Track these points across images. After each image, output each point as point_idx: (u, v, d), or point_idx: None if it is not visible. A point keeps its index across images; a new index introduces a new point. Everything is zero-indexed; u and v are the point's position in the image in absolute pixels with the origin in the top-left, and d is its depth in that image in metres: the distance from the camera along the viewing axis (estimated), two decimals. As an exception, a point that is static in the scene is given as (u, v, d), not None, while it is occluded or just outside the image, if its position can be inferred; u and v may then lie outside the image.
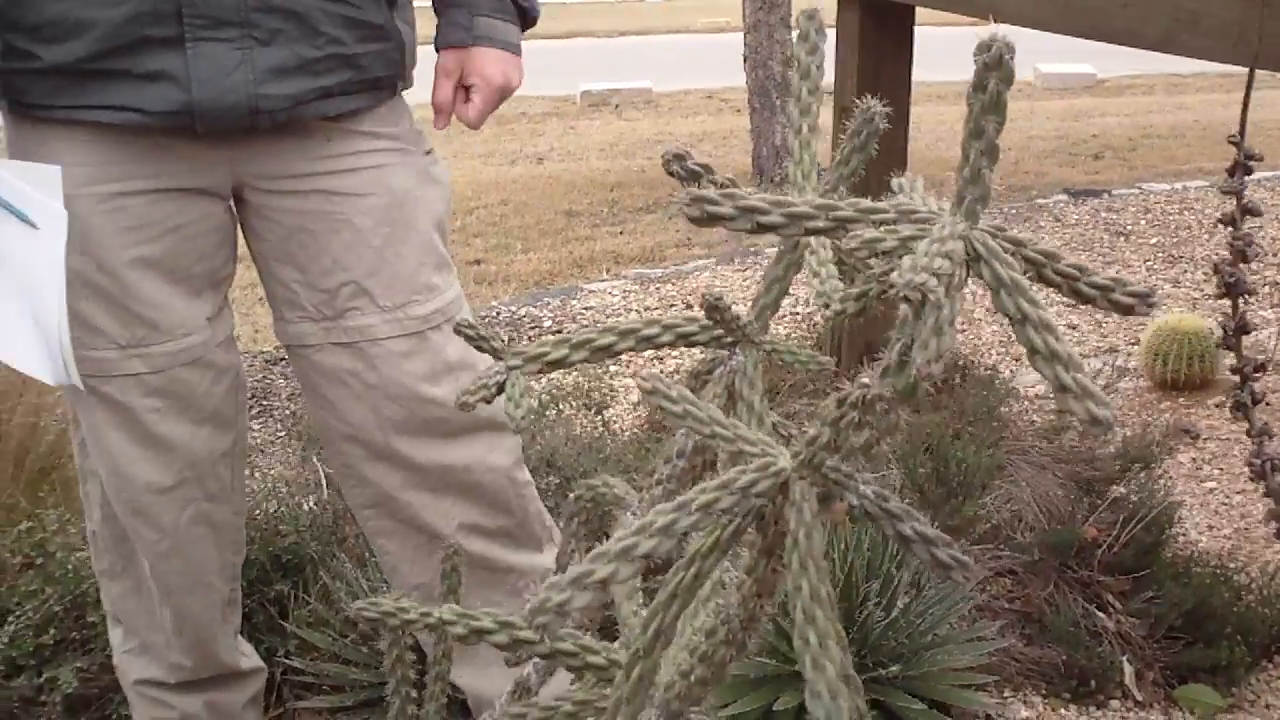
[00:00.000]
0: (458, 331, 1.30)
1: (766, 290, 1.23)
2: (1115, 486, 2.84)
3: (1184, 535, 3.24)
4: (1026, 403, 4.13)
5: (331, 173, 1.88)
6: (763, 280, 1.20)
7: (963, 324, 5.65)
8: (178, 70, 1.72)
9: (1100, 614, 2.66)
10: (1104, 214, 7.40)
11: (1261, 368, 1.70)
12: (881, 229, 0.88)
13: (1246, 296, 1.66)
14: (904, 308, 0.77)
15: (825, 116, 1.40)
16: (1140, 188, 8.03)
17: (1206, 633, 2.63)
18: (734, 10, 8.32)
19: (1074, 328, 5.54)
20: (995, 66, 0.79)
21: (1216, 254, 6.56)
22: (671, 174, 1.25)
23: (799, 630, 0.87)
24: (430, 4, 2.04)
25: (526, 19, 2.04)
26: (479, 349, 1.30)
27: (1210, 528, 3.31)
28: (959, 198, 0.87)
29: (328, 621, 2.52)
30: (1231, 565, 3.05)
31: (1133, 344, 5.06)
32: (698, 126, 10.81)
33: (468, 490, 2.02)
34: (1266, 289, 6.04)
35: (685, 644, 1.04)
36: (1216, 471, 3.66)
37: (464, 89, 2.01)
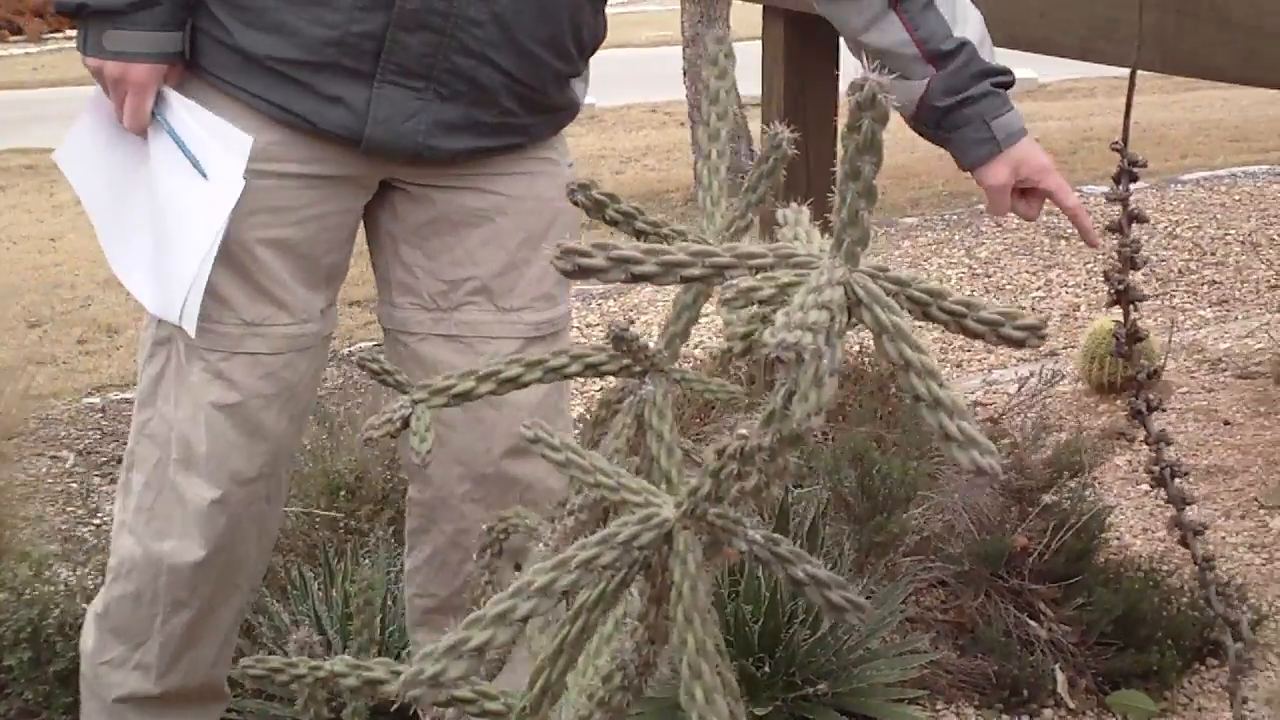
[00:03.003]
0: (361, 365, 1.29)
1: (676, 318, 1.21)
2: (1047, 494, 2.84)
3: (1118, 539, 3.24)
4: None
5: (486, 174, 1.92)
6: (672, 307, 1.19)
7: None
8: (358, 103, 1.79)
9: (1032, 623, 2.66)
10: (1045, 217, 7.38)
11: (1155, 374, 1.70)
12: (759, 276, 0.86)
13: (1137, 305, 1.65)
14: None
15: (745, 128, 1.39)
16: (1080, 190, 8.06)
17: (1138, 638, 2.63)
18: (678, 24, 8.32)
19: (1014, 332, 5.55)
20: (869, 106, 0.75)
21: (1156, 255, 6.61)
22: (576, 204, 1.23)
23: (685, 686, 0.85)
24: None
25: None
26: (382, 383, 1.28)
27: (1145, 530, 3.32)
28: (837, 240, 0.84)
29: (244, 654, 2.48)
30: (1165, 568, 3.06)
31: (1072, 347, 5.08)
32: (641, 140, 10.80)
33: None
34: (1205, 287, 6.08)
35: (584, 687, 1.02)
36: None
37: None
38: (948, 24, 1.92)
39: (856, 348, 4.26)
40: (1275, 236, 6.82)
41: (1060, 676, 2.59)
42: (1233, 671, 1.79)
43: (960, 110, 1.92)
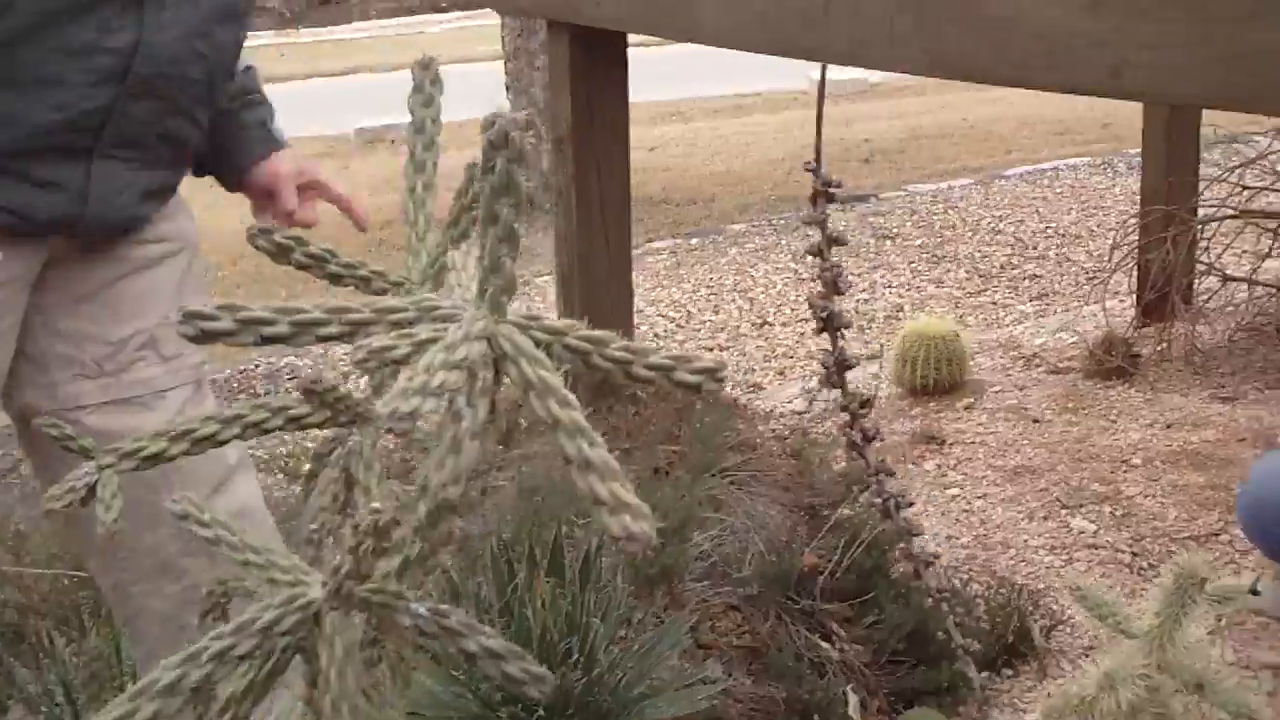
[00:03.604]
0: (46, 430, 1.19)
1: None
2: (839, 509, 2.79)
3: (923, 548, 3.21)
4: (776, 422, 4.09)
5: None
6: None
7: (727, 340, 5.63)
8: (74, 182, 1.70)
9: (825, 644, 2.60)
10: (871, 218, 7.46)
11: (867, 403, 1.64)
12: (395, 334, 0.79)
13: (843, 331, 1.59)
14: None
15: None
16: (906, 190, 8.12)
17: (929, 654, 2.59)
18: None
19: (838, 337, 5.55)
20: (502, 145, 0.71)
21: (979, 251, 6.65)
22: (258, 249, 1.15)
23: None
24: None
25: None
26: (65, 449, 1.18)
27: (950, 538, 3.29)
28: (481, 290, 0.78)
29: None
30: (964, 575, 3.04)
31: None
32: (476, 156, 10.68)
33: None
34: (1026, 281, 6.13)
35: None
36: (960, 477, 3.65)
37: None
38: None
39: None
40: (1095, 228, 6.91)
41: (852, 699, 2.53)
42: (979, 704, 1.74)
43: (246, 111, 1.98)
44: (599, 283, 3.56)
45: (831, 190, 1.42)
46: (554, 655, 2.24)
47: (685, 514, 2.41)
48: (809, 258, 1.53)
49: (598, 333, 0.78)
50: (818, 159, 1.35)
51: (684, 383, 0.73)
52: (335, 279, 1.18)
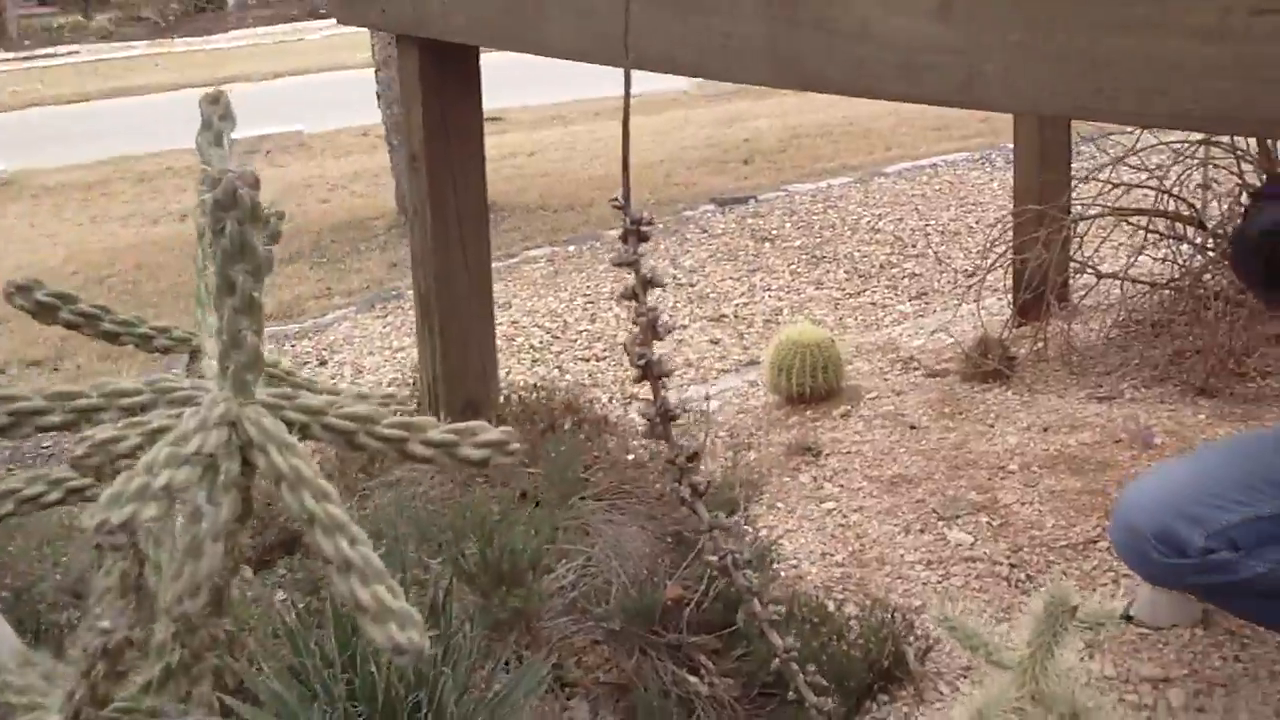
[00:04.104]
0: None
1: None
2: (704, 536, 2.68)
3: (795, 567, 3.13)
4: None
5: None
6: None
7: (604, 350, 5.52)
8: None
9: (693, 678, 2.50)
10: (750, 220, 7.39)
11: (694, 456, 1.54)
12: (124, 423, 0.71)
13: (665, 380, 1.49)
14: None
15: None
16: (786, 190, 8.06)
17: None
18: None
19: (716, 342, 5.46)
20: (231, 205, 0.64)
21: (858, 251, 6.60)
22: (19, 308, 1.06)
23: None
24: None
25: None
26: None
27: (824, 555, 3.20)
28: (222, 369, 0.68)
29: None
30: (839, 597, 2.95)
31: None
32: (350, 166, 10.51)
33: None
34: (906, 280, 6.08)
35: None
36: (837, 489, 3.57)
37: None
38: None
39: (534, 381, 4.09)
40: (974, 224, 6.89)
41: (722, 735, 2.44)
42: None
43: None
44: (459, 300, 3.43)
45: (643, 229, 1.30)
46: (401, 711, 2.11)
47: (536, 555, 2.30)
48: (632, 292, 1.41)
49: (364, 409, 0.69)
50: (626, 195, 1.21)
51: (468, 459, 0.66)
52: (110, 337, 1.07)
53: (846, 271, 6.29)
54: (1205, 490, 2.26)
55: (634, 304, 1.30)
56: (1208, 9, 1.38)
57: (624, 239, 1.28)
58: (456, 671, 2.18)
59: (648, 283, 1.31)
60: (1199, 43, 1.40)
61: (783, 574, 3.00)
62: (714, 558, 1.52)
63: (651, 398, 1.39)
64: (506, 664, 2.33)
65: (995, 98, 1.80)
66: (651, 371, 1.37)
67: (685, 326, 5.68)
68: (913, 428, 3.93)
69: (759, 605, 1.58)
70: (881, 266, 6.32)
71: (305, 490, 0.63)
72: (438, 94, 3.40)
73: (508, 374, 5.30)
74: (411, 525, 2.53)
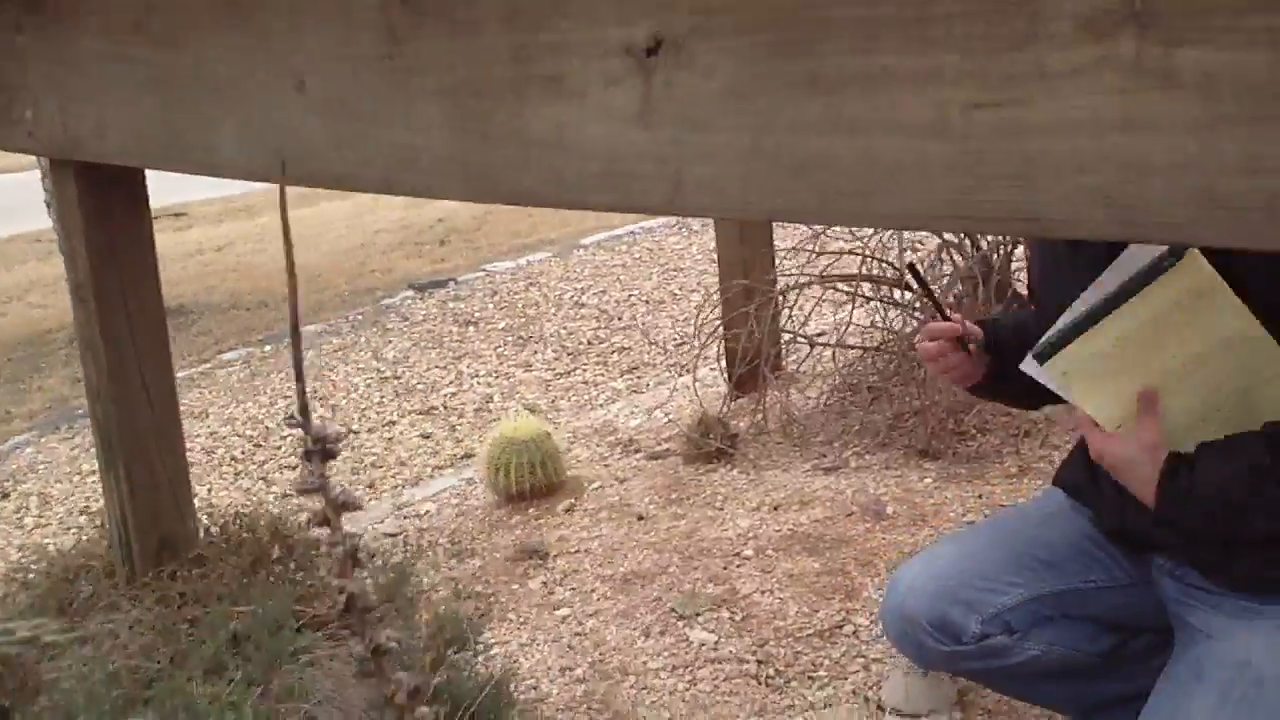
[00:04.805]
0: None
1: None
2: (436, 675, 2.49)
3: (534, 688, 2.94)
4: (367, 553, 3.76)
5: None
6: None
7: (294, 461, 5.23)
8: None
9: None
10: (451, 304, 7.21)
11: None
12: None
13: (375, 625, 1.28)
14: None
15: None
16: (485, 270, 7.92)
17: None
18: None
19: (427, 436, 5.26)
20: None
21: (564, 328, 6.48)
22: None
23: None
24: None
25: None
26: None
27: (564, 670, 3.02)
28: None
29: None
30: (583, 719, 2.78)
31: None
32: (24, 275, 9.94)
33: None
34: (615, 355, 5.98)
35: None
36: (569, 593, 3.40)
37: None
38: None
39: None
40: (678, 291, 6.86)
41: None
42: None
43: None
44: (144, 436, 3.15)
45: (330, 449, 1.09)
46: None
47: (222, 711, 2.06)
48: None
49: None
50: (303, 410, 1.00)
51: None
52: None
53: (555, 350, 6.16)
54: (976, 573, 2.17)
55: (326, 535, 1.10)
56: (922, 105, 1.28)
57: (308, 458, 1.06)
58: None
59: (343, 506, 1.10)
60: (920, 140, 1.30)
61: (521, 698, 2.81)
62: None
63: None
64: None
65: (706, 205, 1.68)
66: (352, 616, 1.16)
67: (394, 423, 5.46)
68: (640, 518, 3.80)
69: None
70: (589, 342, 6.22)
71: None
72: (102, 222, 3.12)
73: (209, 491, 4.99)
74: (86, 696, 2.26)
